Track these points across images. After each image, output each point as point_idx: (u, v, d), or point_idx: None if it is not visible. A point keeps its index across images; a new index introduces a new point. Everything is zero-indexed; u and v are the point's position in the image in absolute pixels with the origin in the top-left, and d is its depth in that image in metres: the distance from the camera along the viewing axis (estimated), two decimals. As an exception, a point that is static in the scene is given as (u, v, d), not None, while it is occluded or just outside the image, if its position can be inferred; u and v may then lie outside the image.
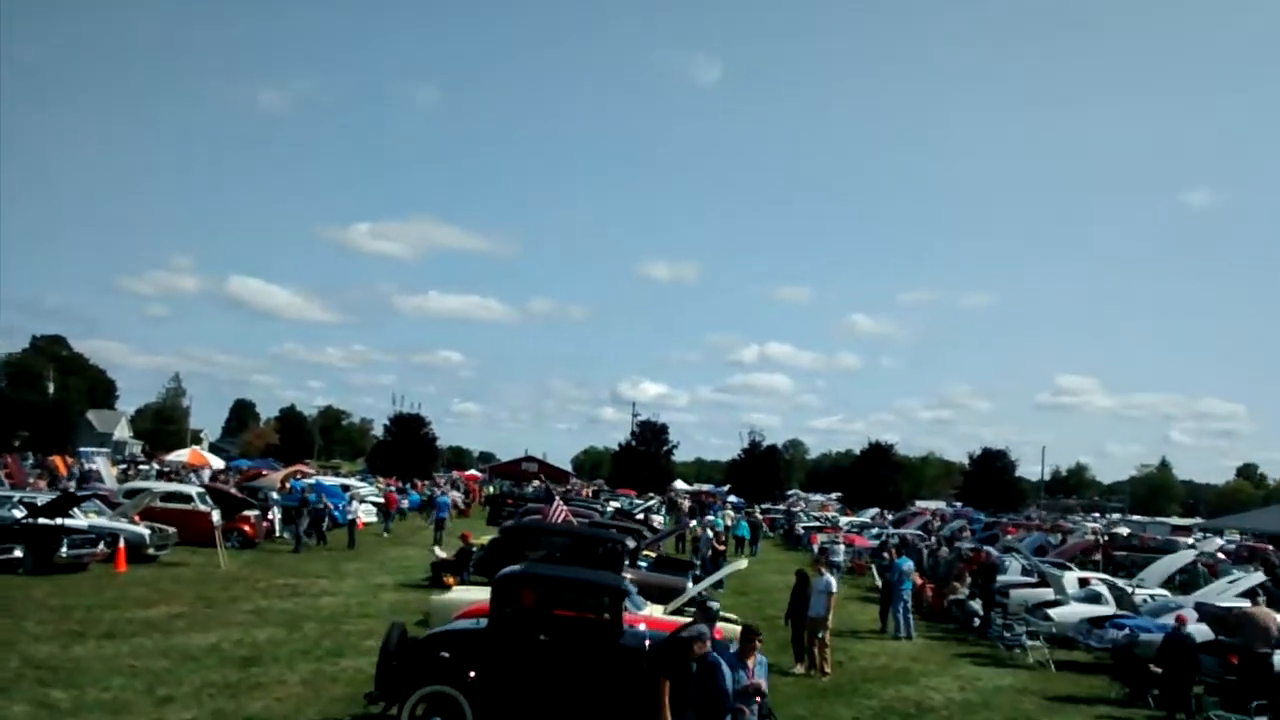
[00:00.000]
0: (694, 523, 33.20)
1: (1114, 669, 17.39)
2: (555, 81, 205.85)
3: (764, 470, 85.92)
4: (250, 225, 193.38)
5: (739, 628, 15.47)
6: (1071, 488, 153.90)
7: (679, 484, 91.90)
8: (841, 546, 36.40)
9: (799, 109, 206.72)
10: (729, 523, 39.15)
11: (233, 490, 34.59)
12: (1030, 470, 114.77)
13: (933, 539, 37.90)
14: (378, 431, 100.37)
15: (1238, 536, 56.84)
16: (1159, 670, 15.53)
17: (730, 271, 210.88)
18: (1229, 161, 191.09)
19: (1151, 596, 22.70)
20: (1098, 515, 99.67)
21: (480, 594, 16.19)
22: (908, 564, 22.74)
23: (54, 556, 21.38)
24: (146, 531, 25.02)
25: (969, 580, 25.02)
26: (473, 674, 10.67)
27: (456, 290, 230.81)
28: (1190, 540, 46.36)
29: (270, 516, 32.57)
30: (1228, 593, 21.92)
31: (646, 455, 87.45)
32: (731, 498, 68.45)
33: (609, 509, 40.89)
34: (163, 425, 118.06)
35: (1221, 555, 38.80)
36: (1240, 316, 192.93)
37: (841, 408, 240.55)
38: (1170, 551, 37.59)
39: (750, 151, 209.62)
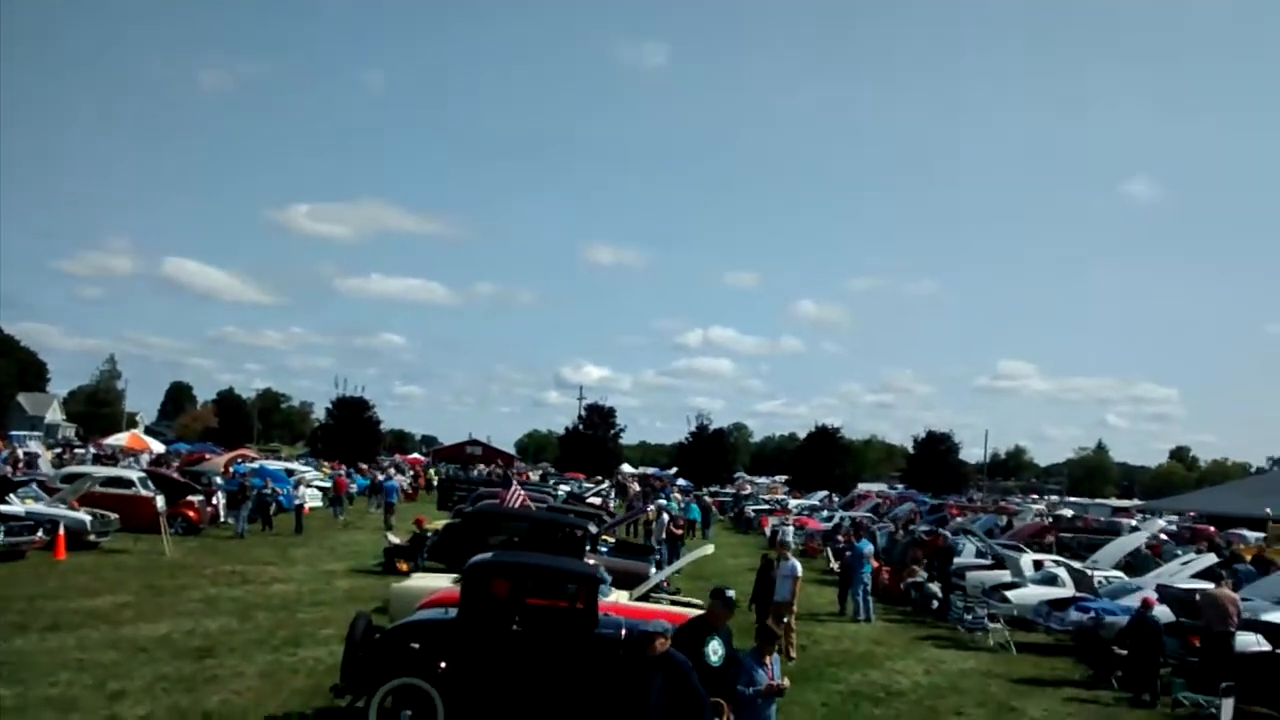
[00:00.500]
0: (652, 506, 32.91)
1: (1078, 651, 17.45)
2: (502, 66, 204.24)
3: (712, 453, 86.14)
4: (188, 206, 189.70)
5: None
6: (1010, 470, 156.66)
7: (625, 468, 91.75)
8: (791, 529, 36.47)
9: (747, 95, 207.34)
10: (681, 506, 38.91)
11: (175, 475, 33.66)
12: (971, 453, 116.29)
13: (888, 522, 37.99)
14: (319, 415, 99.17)
15: (1175, 518, 57.95)
16: (1124, 652, 15.60)
17: (677, 257, 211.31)
18: (1169, 152, 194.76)
19: (1107, 578, 22.85)
20: (1036, 497, 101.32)
21: (440, 581, 15.81)
22: (868, 547, 22.72)
23: (-10, 545, 20.54)
24: (87, 518, 24.19)
25: (924, 563, 25.08)
26: (443, 665, 10.30)
27: (400, 273, 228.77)
28: (1133, 522, 47.06)
29: (215, 502, 31.77)
30: (1181, 574, 22.12)
31: (594, 439, 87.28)
32: (680, 481, 68.37)
33: (560, 493, 40.50)
34: (96, 408, 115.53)
35: (1164, 536, 39.33)
36: (1175, 303, 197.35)
37: (785, 392, 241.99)
38: (1114, 533, 38.11)
39: (699, 137, 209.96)
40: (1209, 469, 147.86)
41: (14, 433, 61.47)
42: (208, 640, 14.74)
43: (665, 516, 30.50)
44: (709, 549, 17.92)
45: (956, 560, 25.51)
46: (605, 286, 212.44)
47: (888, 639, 19.77)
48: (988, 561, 26.02)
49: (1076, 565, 24.08)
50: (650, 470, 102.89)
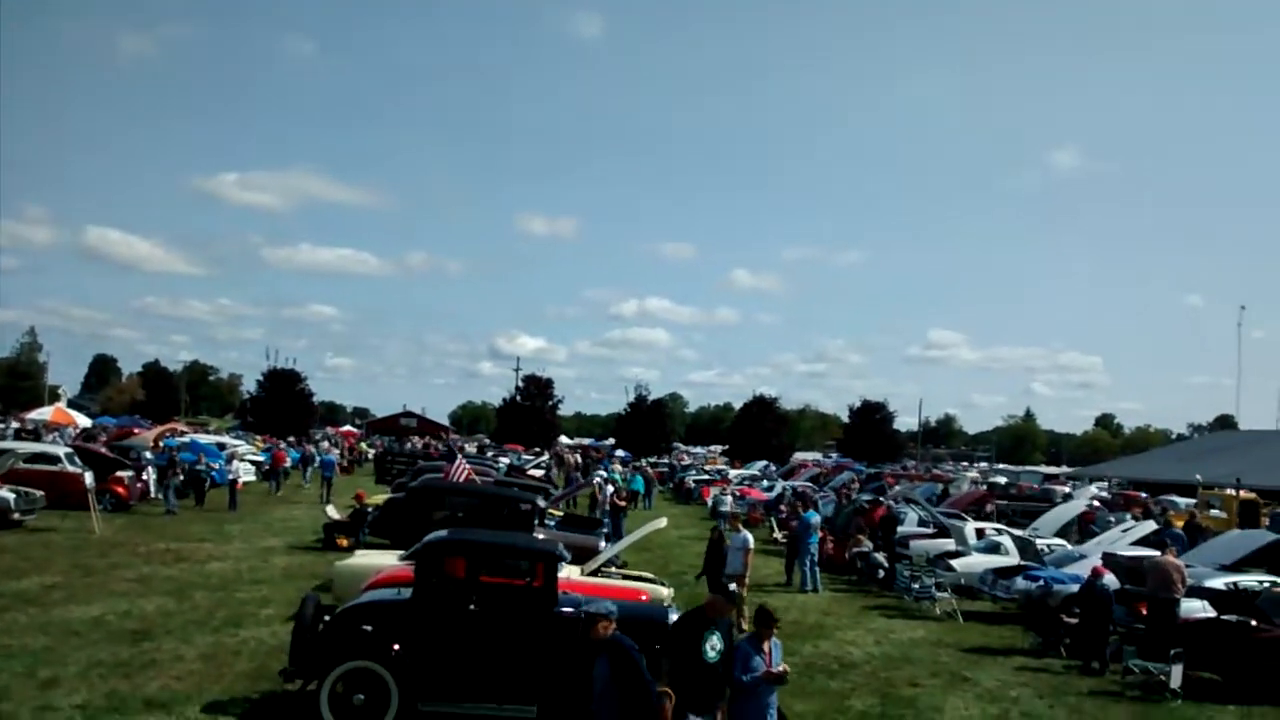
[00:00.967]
0: (597, 479, 32.64)
1: (1026, 619, 17.55)
2: (434, 35, 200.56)
3: (650, 424, 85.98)
4: (110, 174, 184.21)
5: (665, 589, 15.15)
6: (941, 438, 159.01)
7: (562, 439, 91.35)
8: (729, 498, 36.56)
9: (682, 65, 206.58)
10: (624, 478, 38.71)
11: (103, 450, 32.63)
12: (904, 422, 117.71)
13: (829, 491, 38.16)
14: (249, 387, 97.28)
15: (1105, 484, 59.20)
16: (1074, 620, 15.70)
17: (610, 227, 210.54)
18: (1093, 123, 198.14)
19: (1049, 546, 23.10)
20: (966, 464, 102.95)
21: (386, 558, 15.34)
22: (815, 518, 22.69)
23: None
24: (11, 495, 23.30)
25: (869, 532, 25.12)
26: (397, 647, 9.93)
27: (330, 243, 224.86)
28: (1066, 489, 47.90)
29: (144, 477, 30.85)
30: (1121, 541, 22.44)
31: (532, 410, 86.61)
32: (619, 452, 68.17)
33: (501, 465, 40.04)
34: (16, 381, 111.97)
35: (1096, 504, 40.05)
36: (1098, 273, 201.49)
37: (719, 362, 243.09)
38: (1048, 500, 38.76)
39: (633, 108, 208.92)
40: (1132, 436, 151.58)
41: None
42: (144, 622, 14.21)
43: (610, 489, 30.27)
44: (662, 522, 17.66)
45: (899, 529, 25.62)
46: (538, 257, 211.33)
47: (836, 609, 19.76)
48: (930, 530, 26.23)
49: (1019, 533, 24.31)
50: (587, 441, 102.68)
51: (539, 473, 42.71)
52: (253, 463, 42.44)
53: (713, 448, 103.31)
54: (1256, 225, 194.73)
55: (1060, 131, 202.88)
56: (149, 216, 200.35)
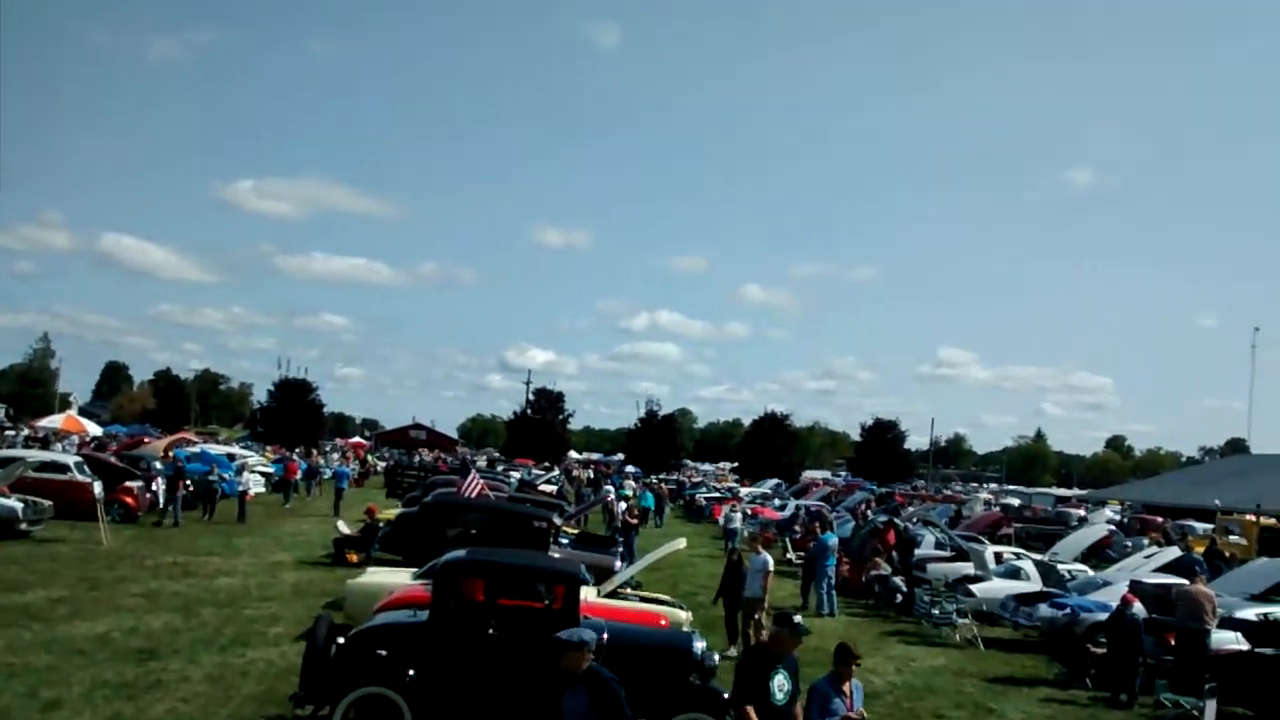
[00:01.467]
0: (610, 495, 32.31)
1: (1051, 648, 17.14)
2: (451, 43, 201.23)
3: (661, 439, 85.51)
4: (127, 180, 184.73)
5: (683, 613, 14.80)
6: (951, 457, 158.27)
7: (572, 454, 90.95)
8: (739, 516, 36.07)
9: (698, 77, 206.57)
10: (634, 494, 38.35)
11: (113, 459, 32.41)
12: (914, 441, 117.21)
13: (843, 511, 37.72)
14: (259, 397, 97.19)
15: (1119, 507, 58.59)
16: (1100, 650, 15.30)
17: (623, 240, 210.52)
18: (1112, 140, 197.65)
19: (1070, 572, 22.67)
20: (976, 485, 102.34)
21: (399, 576, 15.04)
22: (833, 539, 22.27)
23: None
24: (19, 505, 22.97)
25: (886, 555, 24.72)
26: (411, 673, 9.60)
27: (342, 252, 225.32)
28: (1080, 512, 47.38)
29: (154, 488, 30.60)
30: (1144, 568, 21.98)
31: (542, 424, 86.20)
32: (629, 467, 67.76)
33: (512, 480, 39.70)
34: (28, 388, 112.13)
35: (1111, 528, 39.61)
36: (1110, 293, 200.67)
37: (729, 377, 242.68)
38: (1062, 523, 38.35)
39: (647, 120, 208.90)
40: (1143, 458, 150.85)
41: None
42: (150, 640, 13.87)
43: (622, 505, 29.92)
44: (681, 543, 17.35)
45: (916, 552, 25.22)
46: (550, 268, 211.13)
47: (854, 635, 19.28)
48: (948, 553, 25.80)
49: (1040, 558, 23.88)
50: (595, 456, 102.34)
51: (550, 488, 42.31)
52: (262, 474, 42.19)
53: (721, 465, 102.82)
54: (1272, 246, 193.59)
55: (1075, 150, 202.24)
56: (164, 223, 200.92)
